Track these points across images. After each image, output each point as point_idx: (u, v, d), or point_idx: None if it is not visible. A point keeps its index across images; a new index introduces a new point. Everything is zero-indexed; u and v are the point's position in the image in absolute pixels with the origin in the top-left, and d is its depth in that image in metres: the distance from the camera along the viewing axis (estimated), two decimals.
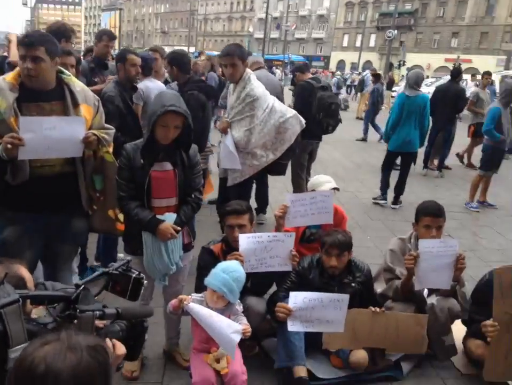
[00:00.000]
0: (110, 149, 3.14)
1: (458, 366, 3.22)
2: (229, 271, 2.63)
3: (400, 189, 6.73)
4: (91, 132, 2.80)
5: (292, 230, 3.45)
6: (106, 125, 3.11)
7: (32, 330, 1.39)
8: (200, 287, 2.96)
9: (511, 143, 6.56)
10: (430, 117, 8.52)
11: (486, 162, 6.49)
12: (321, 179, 3.72)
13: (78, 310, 1.47)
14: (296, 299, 2.86)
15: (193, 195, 2.89)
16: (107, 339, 1.52)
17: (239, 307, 2.72)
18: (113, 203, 3.14)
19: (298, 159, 5.43)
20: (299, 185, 5.64)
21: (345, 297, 2.84)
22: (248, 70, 4.19)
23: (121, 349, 1.53)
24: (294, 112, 4.39)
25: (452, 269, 3.04)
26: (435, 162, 8.94)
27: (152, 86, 4.59)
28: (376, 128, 12.37)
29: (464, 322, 3.31)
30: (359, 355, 3.00)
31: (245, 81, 4.13)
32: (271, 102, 4.26)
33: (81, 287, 1.55)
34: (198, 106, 4.04)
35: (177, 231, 2.77)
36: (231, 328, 2.48)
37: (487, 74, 9.72)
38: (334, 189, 3.59)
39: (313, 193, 3.41)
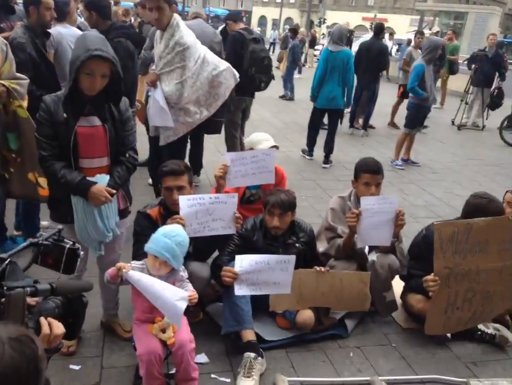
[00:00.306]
0: (24, 104, 2.75)
1: (399, 320, 3.30)
2: (171, 236, 2.43)
3: (329, 147, 6.79)
4: None
5: (232, 191, 3.29)
6: (18, 74, 2.70)
7: None
8: (137, 254, 2.73)
9: (433, 100, 6.76)
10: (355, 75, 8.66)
11: (411, 120, 6.66)
12: (259, 137, 3.55)
13: (5, 288, 1.26)
14: (243, 262, 2.73)
15: (127, 155, 2.62)
16: (42, 318, 1.32)
17: (184, 274, 2.53)
18: (32, 166, 2.79)
19: (232, 117, 5.18)
20: (233, 144, 5.43)
21: (292, 258, 2.75)
22: (175, 15, 3.82)
23: (59, 328, 1.34)
24: (227, 64, 4.12)
25: (392, 226, 3.06)
26: (360, 121, 9.09)
27: (65, 32, 4.10)
28: (285, 84, 12.30)
29: (401, 277, 3.38)
30: (306, 316, 2.97)
31: (173, 28, 3.77)
32: (203, 53, 3.95)
33: (6, 261, 1.33)
34: (126, 55, 3.65)
35: (112, 194, 2.50)
36: (176, 295, 2.30)
37: (420, 33, 9.86)
38: (274, 146, 3.44)
39: (254, 152, 3.24)
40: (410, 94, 6.59)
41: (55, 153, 2.43)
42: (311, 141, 7.00)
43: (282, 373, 2.70)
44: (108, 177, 2.52)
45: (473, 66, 9.43)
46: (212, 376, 2.67)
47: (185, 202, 2.76)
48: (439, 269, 2.83)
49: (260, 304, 2.95)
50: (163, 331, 2.45)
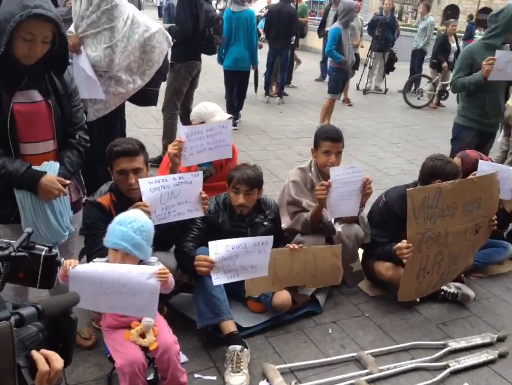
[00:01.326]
0: None
1: (364, 289, 3.27)
2: (127, 223, 2.08)
3: (239, 105, 6.86)
4: None
5: (185, 170, 2.98)
6: None
7: None
8: (92, 252, 2.34)
9: (352, 64, 6.81)
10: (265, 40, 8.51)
11: (333, 85, 6.67)
12: (211, 109, 3.20)
13: None
14: (218, 248, 2.46)
15: (77, 136, 2.19)
16: (34, 352, 1.00)
17: (159, 265, 2.19)
18: None
19: (178, 84, 4.73)
20: (172, 117, 4.96)
21: (269, 239, 2.54)
22: None
23: (58, 361, 1.02)
24: (158, 25, 3.66)
25: (360, 195, 2.98)
26: (274, 88, 8.97)
27: None
28: None
29: (362, 246, 3.34)
30: (283, 297, 2.79)
31: None
32: (131, 12, 3.46)
33: None
34: None
35: (65, 185, 2.07)
36: (145, 274, 1.96)
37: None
38: (230, 118, 3.15)
39: (211, 124, 2.92)
40: (329, 59, 6.58)
41: None
42: (230, 107, 6.78)
43: (268, 361, 2.52)
44: (58, 164, 2.09)
45: (377, 31, 9.68)
46: (196, 375, 2.41)
47: (147, 186, 2.41)
48: (412, 236, 2.80)
49: (228, 290, 2.72)
50: (143, 336, 2.13)
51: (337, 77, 6.61)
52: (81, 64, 3.30)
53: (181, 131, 2.82)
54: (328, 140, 3.11)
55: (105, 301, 1.97)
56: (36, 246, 1.23)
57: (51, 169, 2.04)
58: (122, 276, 1.94)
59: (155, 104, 3.85)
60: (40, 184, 1.98)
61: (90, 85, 3.33)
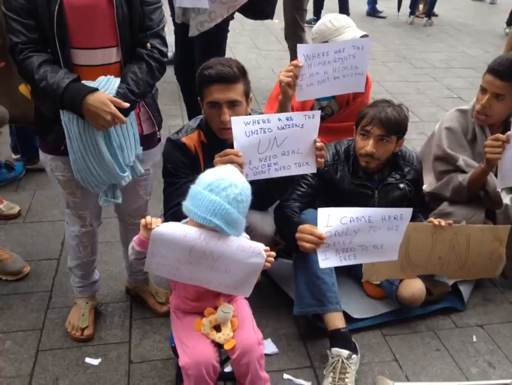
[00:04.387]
0: None
1: None
2: (221, 189, 1.44)
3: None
4: None
5: (298, 105, 2.30)
6: None
7: None
8: (169, 207, 1.84)
9: None
10: None
11: None
12: (339, 22, 2.39)
13: None
14: (330, 219, 1.79)
15: (148, 45, 1.62)
16: None
17: (244, 233, 1.61)
18: None
19: (298, 1, 3.97)
20: (298, 38, 4.16)
21: (406, 213, 1.80)
22: None
23: None
24: None
25: None
26: (421, 7, 7.59)
27: None
28: None
29: None
30: (415, 288, 2.06)
31: None
32: None
33: None
34: None
35: (126, 111, 1.54)
36: (246, 251, 1.46)
37: None
38: (364, 36, 2.33)
39: (341, 43, 2.11)
40: None
41: (34, 39, 1.50)
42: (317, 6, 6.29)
43: (384, 372, 1.89)
44: (117, 81, 1.56)
45: None
46: (286, 376, 1.88)
47: (241, 127, 1.75)
48: None
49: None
50: (217, 328, 1.61)
51: None
52: None
53: (300, 51, 2.06)
54: (490, 72, 2.18)
55: (189, 272, 1.49)
56: None
57: (106, 86, 1.53)
58: (217, 249, 1.44)
59: (271, 17, 3.12)
60: (86, 104, 1.47)
61: None
